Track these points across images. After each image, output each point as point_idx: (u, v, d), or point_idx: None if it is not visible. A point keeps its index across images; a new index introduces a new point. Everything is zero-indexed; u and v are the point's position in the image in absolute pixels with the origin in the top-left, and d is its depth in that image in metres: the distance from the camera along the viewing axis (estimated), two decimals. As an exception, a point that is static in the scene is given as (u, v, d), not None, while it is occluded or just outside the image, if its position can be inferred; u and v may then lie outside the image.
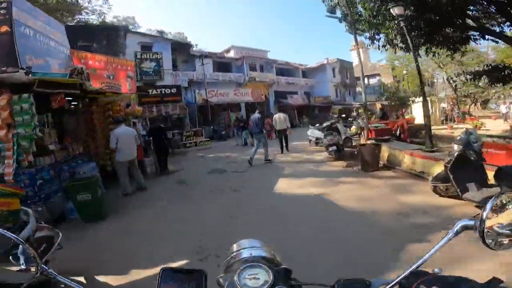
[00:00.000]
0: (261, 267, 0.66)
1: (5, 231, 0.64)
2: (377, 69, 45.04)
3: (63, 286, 0.68)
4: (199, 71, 20.54)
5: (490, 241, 0.62)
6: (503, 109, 18.95)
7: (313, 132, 11.70)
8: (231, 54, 27.31)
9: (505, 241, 0.63)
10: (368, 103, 32.08)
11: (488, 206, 0.61)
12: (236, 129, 16.64)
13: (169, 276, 0.65)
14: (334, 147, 8.47)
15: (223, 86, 22.12)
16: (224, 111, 20.74)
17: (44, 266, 0.66)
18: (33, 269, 0.65)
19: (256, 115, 9.17)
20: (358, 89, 41.95)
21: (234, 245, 0.80)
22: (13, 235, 0.62)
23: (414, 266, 0.63)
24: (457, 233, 0.63)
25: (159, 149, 8.37)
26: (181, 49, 21.62)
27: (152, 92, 16.91)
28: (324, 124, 11.54)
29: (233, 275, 0.65)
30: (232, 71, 25.43)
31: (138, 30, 25.41)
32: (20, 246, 0.67)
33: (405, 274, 0.63)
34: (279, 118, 10.65)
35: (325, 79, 33.05)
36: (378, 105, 32.96)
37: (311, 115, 29.39)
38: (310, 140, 11.92)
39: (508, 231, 0.63)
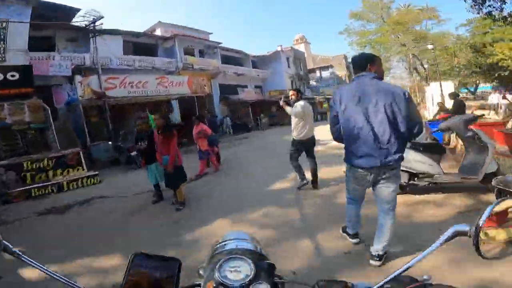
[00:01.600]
0: (244, 260, 0.64)
1: None
2: (330, 60, 41.79)
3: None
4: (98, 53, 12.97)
5: (484, 249, 0.57)
6: (494, 99, 15.62)
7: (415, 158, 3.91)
8: (158, 33, 19.93)
9: (498, 250, 0.46)
10: (329, 97, 27.61)
11: (486, 212, 0.57)
12: (136, 152, 7.93)
13: (141, 261, 0.62)
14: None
15: (139, 75, 14.23)
16: (142, 112, 12.34)
17: (8, 244, 0.62)
18: None
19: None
20: (313, 82, 38.06)
21: (222, 236, 0.80)
22: None
23: (399, 271, 0.59)
24: (449, 239, 0.59)
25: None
26: (63, 17, 12.61)
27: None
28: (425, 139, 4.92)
29: (214, 266, 0.63)
30: (158, 54, 18.13)
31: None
32: None
33: (388, 278, 0.59)
34: (307, 109, 4.74)
35: (279, 69, 27.70)
36: None
37: (267, 114, 23.72)
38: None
39: (502, 240, 0.48)
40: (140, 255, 0.63)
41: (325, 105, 27.18)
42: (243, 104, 21.45)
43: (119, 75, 11.89)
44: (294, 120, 4.65)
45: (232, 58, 24.89)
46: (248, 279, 0.60)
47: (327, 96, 29.47)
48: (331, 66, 40.94)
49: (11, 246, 0.63)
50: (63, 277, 0.62)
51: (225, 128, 18.95)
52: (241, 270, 0.62)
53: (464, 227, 0.58)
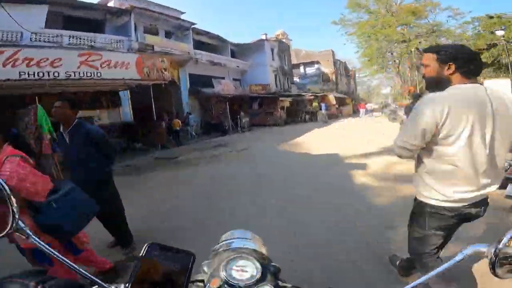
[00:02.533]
0: (252, 260, 0.64)
1: None
2: (316, 56, 38.72)
3: None
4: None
5: (500, 270, 0.56)
6: None
7: None
8: (112, 5, 15.46)
9: None
10: (318, 94, 24.23)
11: (507, 236, 0.55)
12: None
13: (155, 251, 0.60)
14: None
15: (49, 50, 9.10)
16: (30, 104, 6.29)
17: (21, 223, 0.60)
18: (8, 223, 0.59)
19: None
20: (296, 79, 34.81)
21: (228, 233, 0.79)
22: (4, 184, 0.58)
23: (414, 284, 0.58)
24: (466, 258, 0.59)
25: None
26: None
27: None
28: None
29: (220, 263, 0.63)
30: (106, 32, 13.74)
31: None
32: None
33: None
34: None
35: (262, 61, 24.00)
36: (331, 97, 26.03)
37: (248, 112, 19.97)
38: None
39: None
40: (155, 245, 0.61)
41: (315, 104, 23.89)
42: (219, 100, 17.51)
43: (6, 48, 7.24)
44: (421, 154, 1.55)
45: (207, 44, 20.82)
46: (254, 280, 0.60)
47: (317, 94, 26.22)
48: (317, 62, 37.90)
49: (23, 226, 0.61)
50: (69, 262, 0.61)
51: (190, 129, 14.67)
52: (247, 270, 0.62)
53: (483, 248, 0.58)
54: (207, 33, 20.32)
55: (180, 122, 12.71)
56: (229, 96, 17.72)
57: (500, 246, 0.55)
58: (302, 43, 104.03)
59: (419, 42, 22.75)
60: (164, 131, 11.24)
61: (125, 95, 12.38)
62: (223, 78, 20.40)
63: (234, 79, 22.07)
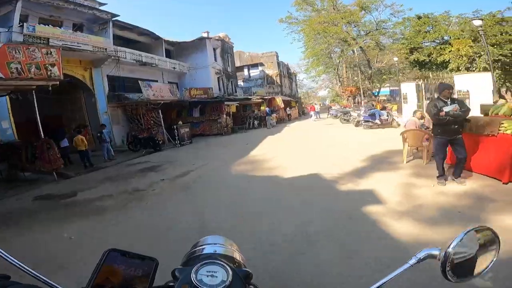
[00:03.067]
0: (221, 265, 0.62)
1: None
2: (259, 58, 37.56)
3: None
4: None
5: (451, 274, 0.60)
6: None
7: None
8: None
9: (465, 273, 0.61)
10: (266, 97, 22.65)
11: (457, 239, 0.59)
12: None
13: (115, 258, 0.60)
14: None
15: None
16: None
17: None
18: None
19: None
20: (240, 82, 33.02)
21: (201, 239, 0.79)
22: None
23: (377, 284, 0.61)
24: (420, 261, 0.62)
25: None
26: None
27: None
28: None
29: (190, 268, 0.62)
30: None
31: None
32: None
33: None
34: None
35: (204, 62, 21.41)
36: (278, 100, 24.58)
37: (187, 121, 17.14)
38: None
39: (470, 264, 0.61)
40: (115, 251, 0.61)
41: (263, 107, 22.18)
42: (150, 107, 14.39)
43: None
44: None
45: (136, 42, 17.49)
46: (224, 285, 0.59)
47: (265, 97, 24.58)
48: (261, 64, 36.71)
49: None
50: (39, 275, 0.60)
51: (107, 147, 10.81)
52: (217, 276, 0.61)
53: (435, 251, 0.61)
54: (134, 28, 16.96)
55: (84, 138, 9.34)
56: (163, 102, 14.71)
57: (450, 249, 0.58)
58: (246, 46, 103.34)
59: (363, 41, 22.80)
60: (56, 152, 7.87)
61: (2, 104, 8.68)
62: (156, 81, 17.28)
63: (170, 82, 19.02)
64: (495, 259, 0.63)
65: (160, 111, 14.18)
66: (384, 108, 16.01)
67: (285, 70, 41.12)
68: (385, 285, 0.61)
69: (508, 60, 17.35)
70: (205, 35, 22.46)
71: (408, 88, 14.29)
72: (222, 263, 0.63)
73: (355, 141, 10.28)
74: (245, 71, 37.12)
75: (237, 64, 34.28)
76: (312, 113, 24.91)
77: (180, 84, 20.26)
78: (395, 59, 21.05)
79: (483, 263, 0.62)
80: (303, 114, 38.64)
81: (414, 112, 7.24)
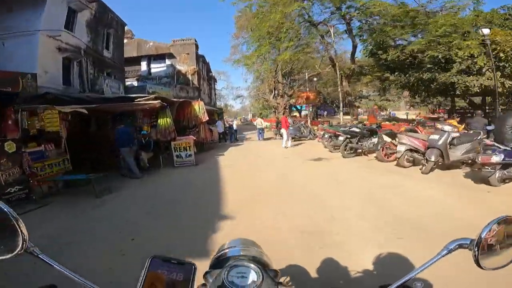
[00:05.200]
0: (251, 266, 0.63)
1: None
2: (168, 48, 25.00)
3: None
4: None
5: (484, 261, 0.60)
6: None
7: None
8: None
9: (497, 260, 0.61)
10: (174, 100, 10.88)
11: (486, 229, 0.58)
12: None
13: (158, 264, 0.62)
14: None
15: None
16: None
17: (31, 243, 0.61)
18: (18, 244, 0.60)
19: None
20: (132, 82, 20.48)
21: (226, 242, 0.81)
22: (8, 208, 0.58)
23: (400, 282, 0.61)
24: (451, 251, 0.62)
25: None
26: None
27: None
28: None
29: (221, 271, 0.63)
30: None
31: None
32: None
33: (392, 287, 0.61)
34: None
35: (32, 25, 8.30)
36: (198, 107, 12.94)
37: None
38: None
39: (501, 252, 0.61)
40: (157, 258, 0.62)
41: (164, 120, 9.91)
42: None
43: None
44: None
45: None
46: (254, 285, 0.59)
47: (174, 100, 12.40)
48: (171, 56, 24.44)
49: (33, 246, 0.61)
50: (81, 278, 0.60)
51: None
52: (247, 276, 0.61)
53: (466, 241, 0.60)
54: None
55: None
56: None
57: (481, 238, 0.57)
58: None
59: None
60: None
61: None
62: None
63: None
64: None
65: None
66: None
67: (204, 70, 29.65)
68: (417, 276, 0.60)
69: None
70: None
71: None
72: (251, 264, 0.63)
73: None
74: (144, 65, 24.14)
75: (133, 54, 21.20)
76: (284, 132, 13.40)
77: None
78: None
79: None
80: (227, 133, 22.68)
81: None
